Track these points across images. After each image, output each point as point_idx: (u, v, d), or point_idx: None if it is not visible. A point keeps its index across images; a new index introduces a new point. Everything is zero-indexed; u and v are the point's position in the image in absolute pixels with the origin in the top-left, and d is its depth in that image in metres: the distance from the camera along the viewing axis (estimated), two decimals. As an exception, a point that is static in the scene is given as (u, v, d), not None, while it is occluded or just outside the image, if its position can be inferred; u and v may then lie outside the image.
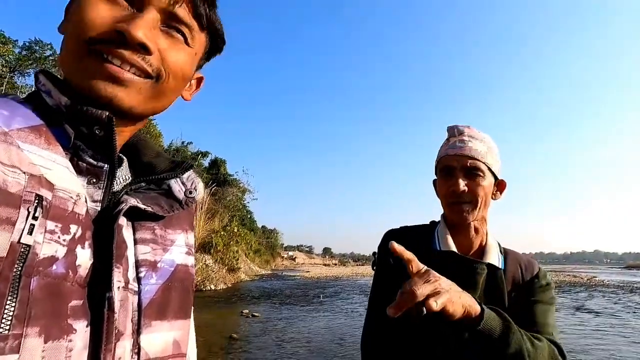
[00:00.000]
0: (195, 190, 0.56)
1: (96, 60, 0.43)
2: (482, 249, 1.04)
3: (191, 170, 0.58)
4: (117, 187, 0.50)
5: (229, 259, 17.22)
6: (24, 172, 0.38)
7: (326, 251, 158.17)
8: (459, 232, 1.04)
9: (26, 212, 0.36)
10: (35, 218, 0.37)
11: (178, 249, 0.54)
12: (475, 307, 0.80)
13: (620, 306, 11.89)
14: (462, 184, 0.99)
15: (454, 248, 1.01)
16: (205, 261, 15.29)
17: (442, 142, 1.10)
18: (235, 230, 19.25)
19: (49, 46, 14.90)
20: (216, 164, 24.48)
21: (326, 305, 11.08)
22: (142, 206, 0.48)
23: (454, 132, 1.06)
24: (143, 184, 0.53)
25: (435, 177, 1.12)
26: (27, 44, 14.77)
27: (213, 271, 15.35)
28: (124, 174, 0.52)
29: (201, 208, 16.59)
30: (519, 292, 1.02)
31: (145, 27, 0.44)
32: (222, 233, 17.31)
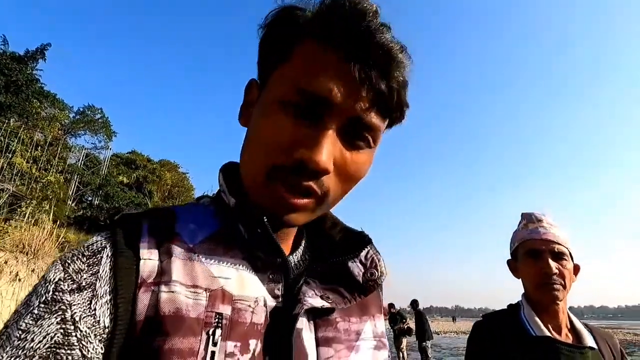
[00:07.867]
0: (377, 271, 0.49)
1: (278, 189, 0.41)
2: (575, 331, 1.07)
3: (369, 245, 0.51)
4: (295, 272, 0.47)
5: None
6: (205, 289, 0.39)
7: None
8: (547, 314, 1.07)
9: (206, 337, 0.36)
10: (215, 344, 0.36)
11: (365, 343, 0.48)
12: None
13: None
14: (554, 266, 1.05)
15: (548, 333, 1.03)
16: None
17: (517, 227, 1.19)
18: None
19: (99, 110, 17.09)
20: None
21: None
22: (320, 303, 0.44)
23: (532, 219, 1.14)
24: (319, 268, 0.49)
25: (511, 258, 1.19)
26: (80, 109, 16.81)
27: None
28: (299, 256, 0.50)
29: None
30: None
31: (328, 151, 0.39)
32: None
